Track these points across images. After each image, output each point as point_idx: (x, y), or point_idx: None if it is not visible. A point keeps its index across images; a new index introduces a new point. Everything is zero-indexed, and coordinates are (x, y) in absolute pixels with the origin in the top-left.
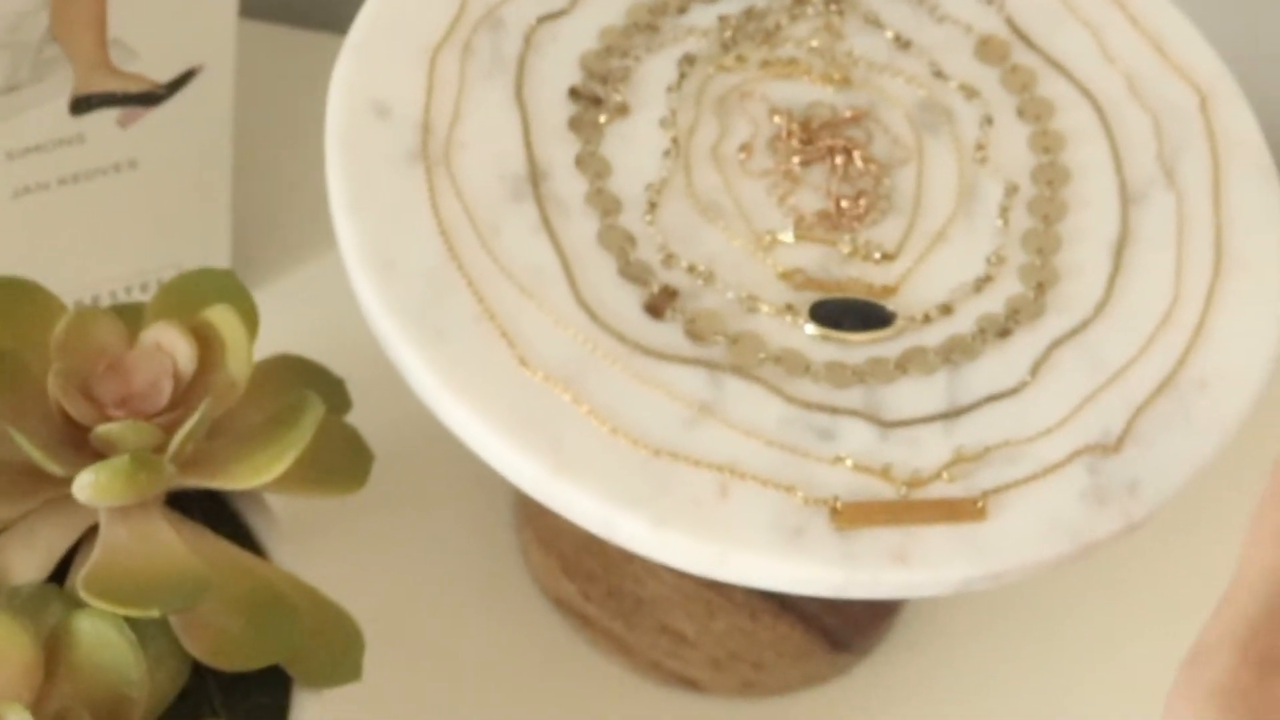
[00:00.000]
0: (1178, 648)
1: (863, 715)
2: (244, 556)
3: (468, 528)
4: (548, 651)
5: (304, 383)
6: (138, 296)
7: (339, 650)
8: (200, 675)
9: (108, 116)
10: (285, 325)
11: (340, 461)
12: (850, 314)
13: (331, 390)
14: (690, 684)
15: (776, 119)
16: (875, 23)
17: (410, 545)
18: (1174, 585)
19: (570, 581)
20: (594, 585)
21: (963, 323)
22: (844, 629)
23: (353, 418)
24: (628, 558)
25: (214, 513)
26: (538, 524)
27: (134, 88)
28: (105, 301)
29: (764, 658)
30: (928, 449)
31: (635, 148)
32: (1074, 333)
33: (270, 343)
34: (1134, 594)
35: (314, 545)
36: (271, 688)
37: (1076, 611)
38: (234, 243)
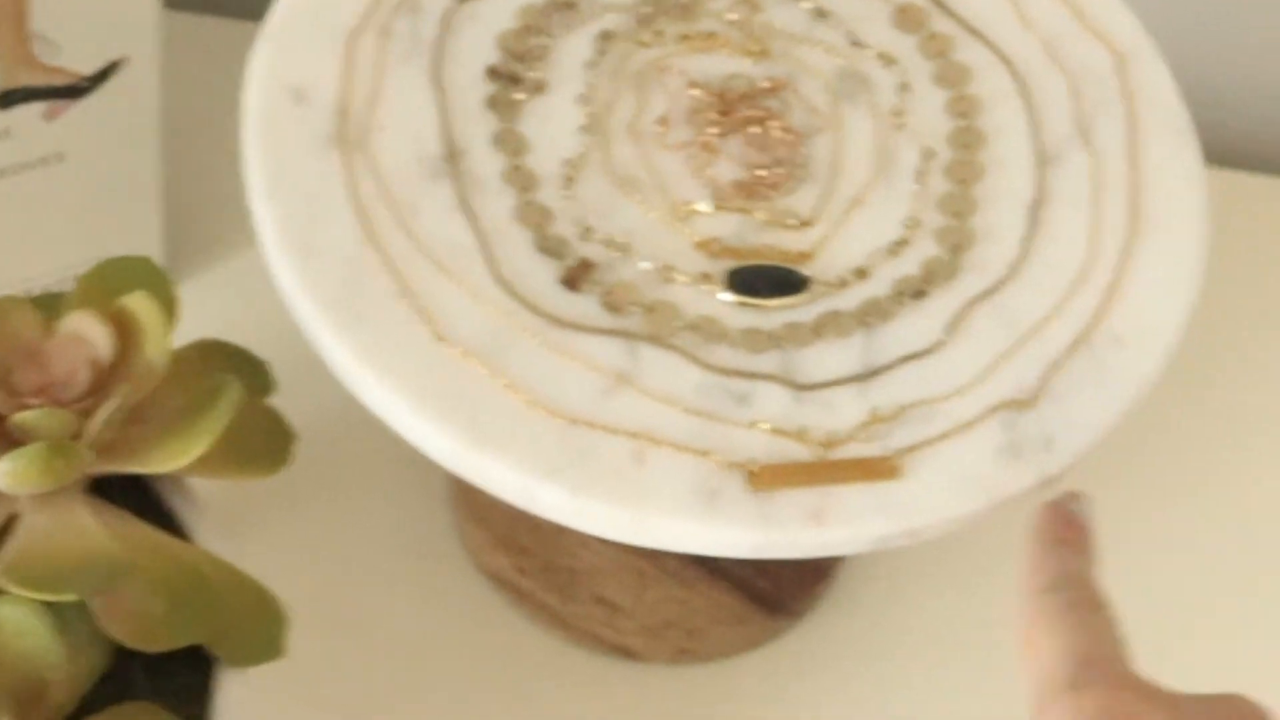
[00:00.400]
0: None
1: (799, 677)
2: (165, 540)
3: (403, 507)
4: (484, 626)
5: (226, 367)
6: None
7: (262, 629)
8: (125, 658)
9: (33, 110)
10: (218, 313)
11: (262, 443)
12: (766, 280)
13: (254, 374)
14: (626, 653)
15: (694, 92)
16: None
17: (347, 525)
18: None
19: (504, 556)
20: (528, 559)
21: (878, 286)
22: (777, 593)
23: (289, 403)
24: (560, 531)
25: (138, 499)
26: (471, 501)
27: (58, 81)
28: None
29: (698, 624)
30: (843, 410)
31: (553, 125)
32: (989, 293)
33: (204, 330)
34: None
35: (252, 528)
36: (196, 668)
37: (1007, 567)
38: (166, 233)
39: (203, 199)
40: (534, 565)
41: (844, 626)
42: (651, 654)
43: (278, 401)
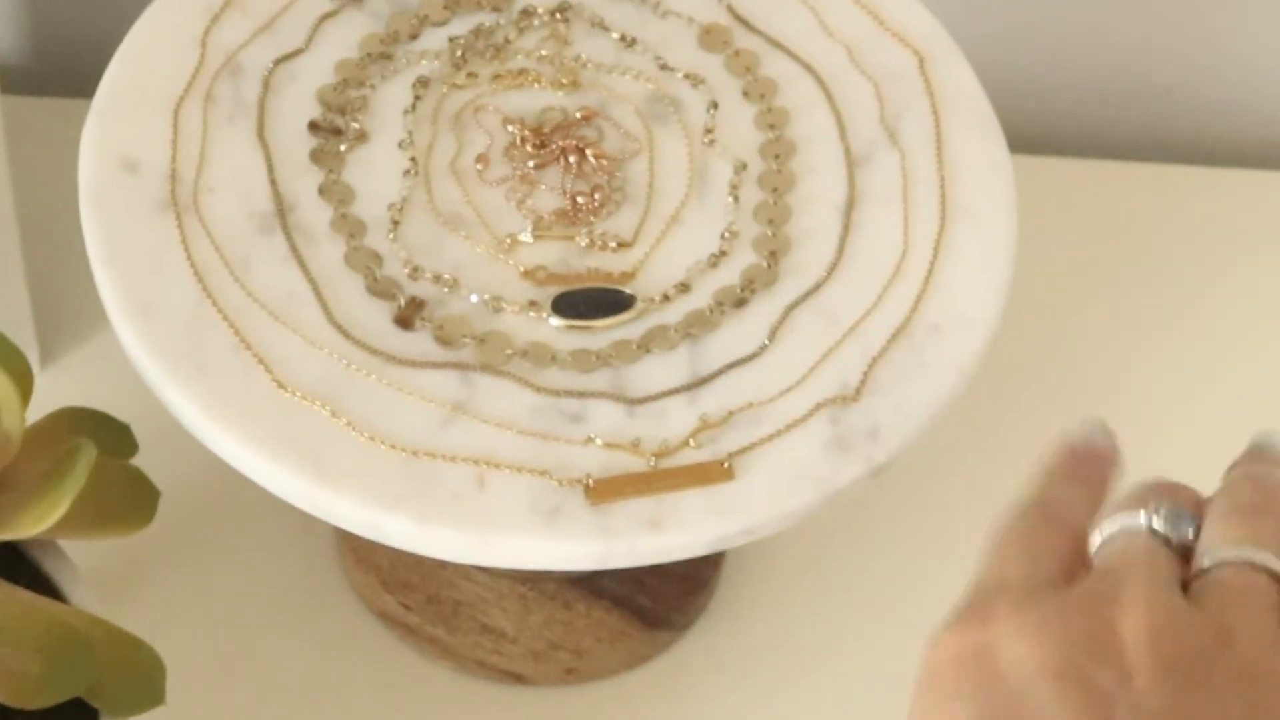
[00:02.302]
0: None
1: (687, 689)
2: (38, 600)
3: (290, 555)
4: (376, 664)
5: (84, 432)
6: None
7: (140, 678)
8: (6, 717)
9: None
10: (91, 383)
11: (125, 501)
12: (591, 303)
13: (115, 436)
14: (516, 678)
15: (510, 128)
16: (600, 26)
17: (236, 576)
18: (938, 526)
19: (390, 594)
20: (412, 595)
21: (701, 298)
22: (657, 607)
23: (166, 464)
24: (441, 564)
25: (11, 564)
26: (354, 543)
27: None
28: None
29: (583, 644)
30: (674, 420)
31: (376, 171)
32: (808, 295)
33: (81, 400)
34: (897, 534)
35: (137, 587)
36: None
37: (882, 566)
38: (36, 311)
39: (70, 276)
40: (419, 600)
41: (728, 635)
42: (540, 677)
43: (154, 464)
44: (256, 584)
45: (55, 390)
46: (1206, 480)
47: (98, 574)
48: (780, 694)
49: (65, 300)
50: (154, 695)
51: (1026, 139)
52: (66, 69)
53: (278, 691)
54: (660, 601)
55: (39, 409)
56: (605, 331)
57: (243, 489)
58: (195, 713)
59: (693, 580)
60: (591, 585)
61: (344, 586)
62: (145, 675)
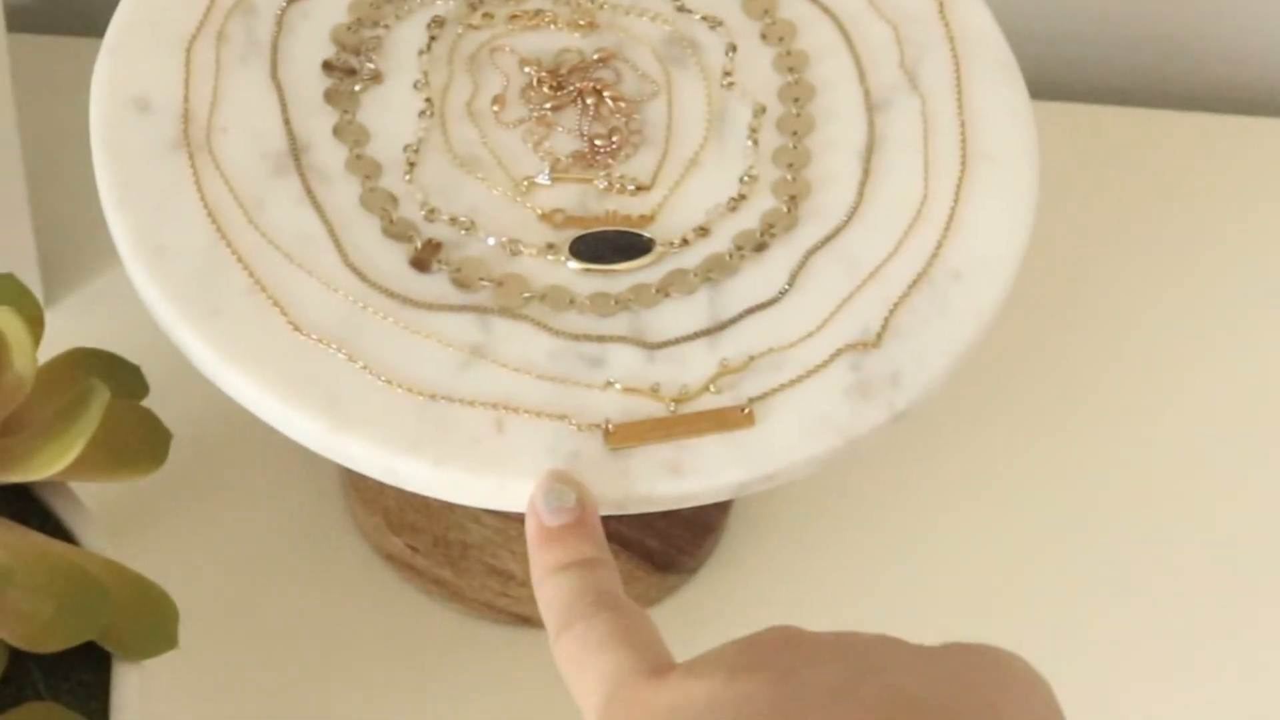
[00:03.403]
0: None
1: (695, 632)
2: (50, 543)
3: (297, 497)
4: (384, 606)
5: (95, 373)
6: None
7: (153, 622)
8: (21, 661)
9: None
10: (97, 325)
11: (137, 443)
12: (610, 246)
13: (126, 377)
14: (523, 620)
15: (527, 69)
16: None
17: (242, 519)
18: (949, 472)
19: (397, 536)
20: (420, 537)
21: (720, 242)
22: (666, 550)
23: (175, 406)
24: (449, 506)
25: (23, 507)
26: (361, 484)
27: None
28: None
29: None
30: (694, 365)
31: (391, 112)
32: (829, 239)
33: (86, 341)
34: (915, 481)
35: (146, 529)
36: (93, 665)
37: (890, 505)
38: (41, 252)
39: (74, 217)
40: (426, 542)
41: (736, 579)
42: None
43: (164, 405)
44: (263, 526)
45: (59, 332)
46: (1225, 423)
47: (104, 516)
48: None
49: (68, 241)
50: (167, 639)
51: (1044, 85)
52: (72, 7)
53: (284, 634)
54: (669, 544)
55: (44, 352)
56: (624, 275)
57: (245, 432)
58: (202, 656)
59: (701, 524)
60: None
61: (350, 528)
62: (158, 619)
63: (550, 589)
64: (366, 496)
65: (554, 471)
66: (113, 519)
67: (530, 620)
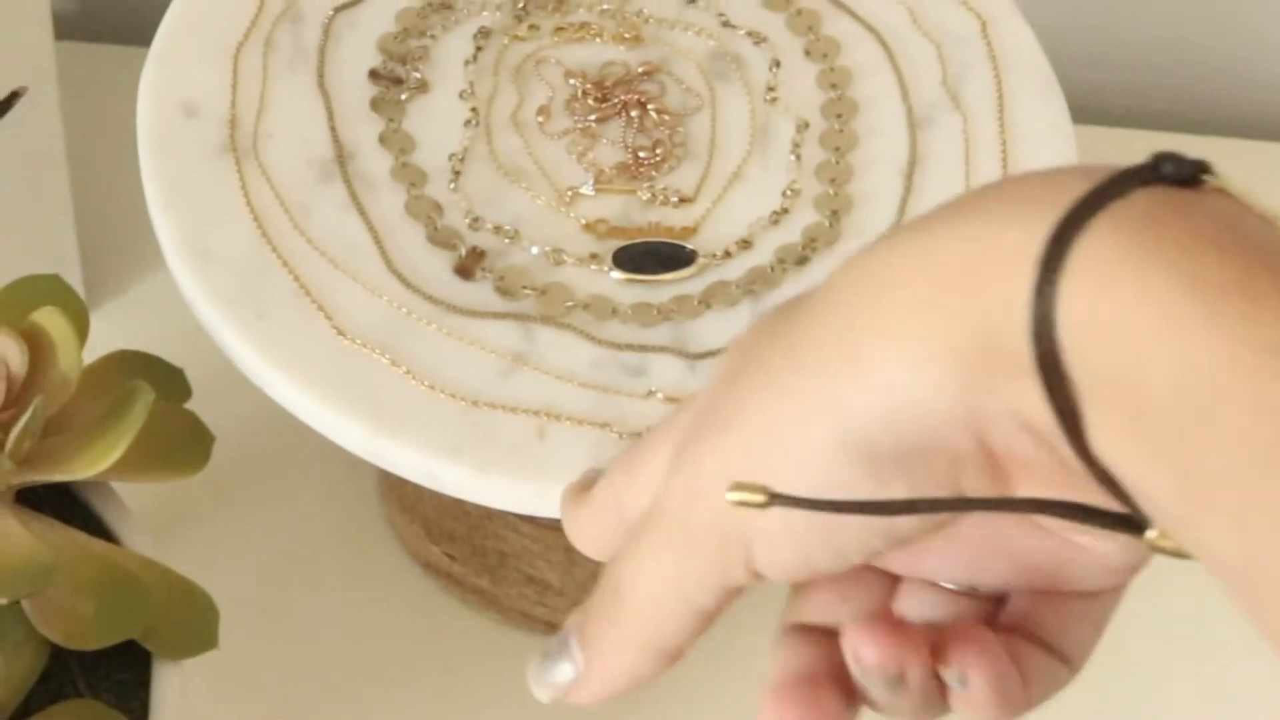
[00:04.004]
0: None
1: (726, 646)
2: (93, 543)
3: (335, 503)
4: (420, 613)
5: (139, 375)
6: None
7: (193, 622)
8: (62, 658)
9: None
10: (139, 327)
11: (180, 445)
12: (652, 257)
13: (169, 380)
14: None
15: (572, 81)
16: None
17: (281, 523)
18: None
19: (435, 544)
20: (458, 546)
21: (762, 255)
22: None
23: (217, 409)
24: (488, 515)
25: (65, 506)
26: (399, 492)
27: None
28: None
29: None
30: None
31: (437, 121)
32: None
33: (127, 344)
34: None
35: (187, 530)
36: (133, 663)
37: None
38: (84, 255)
39: (116, 221)
40: (464, 551)
41: (768, 587)
42: None
43: (203, 408)
44: (302, 531)
45: (100, 336)
46: None
47: (144, 516)
48: None
49: (110, 246)
50: (207, 639)
51: (1084, 109)
52: (114, 15)
53: (320, 638)
54: None
55: (86, 355)
56: (666, 286)
57: (283, 437)
58: (240, 657)
59: None
60: None
61: (388, 536)
62: (198, 619)
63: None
64: (405, 504)
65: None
66: (151, 519)
67: None
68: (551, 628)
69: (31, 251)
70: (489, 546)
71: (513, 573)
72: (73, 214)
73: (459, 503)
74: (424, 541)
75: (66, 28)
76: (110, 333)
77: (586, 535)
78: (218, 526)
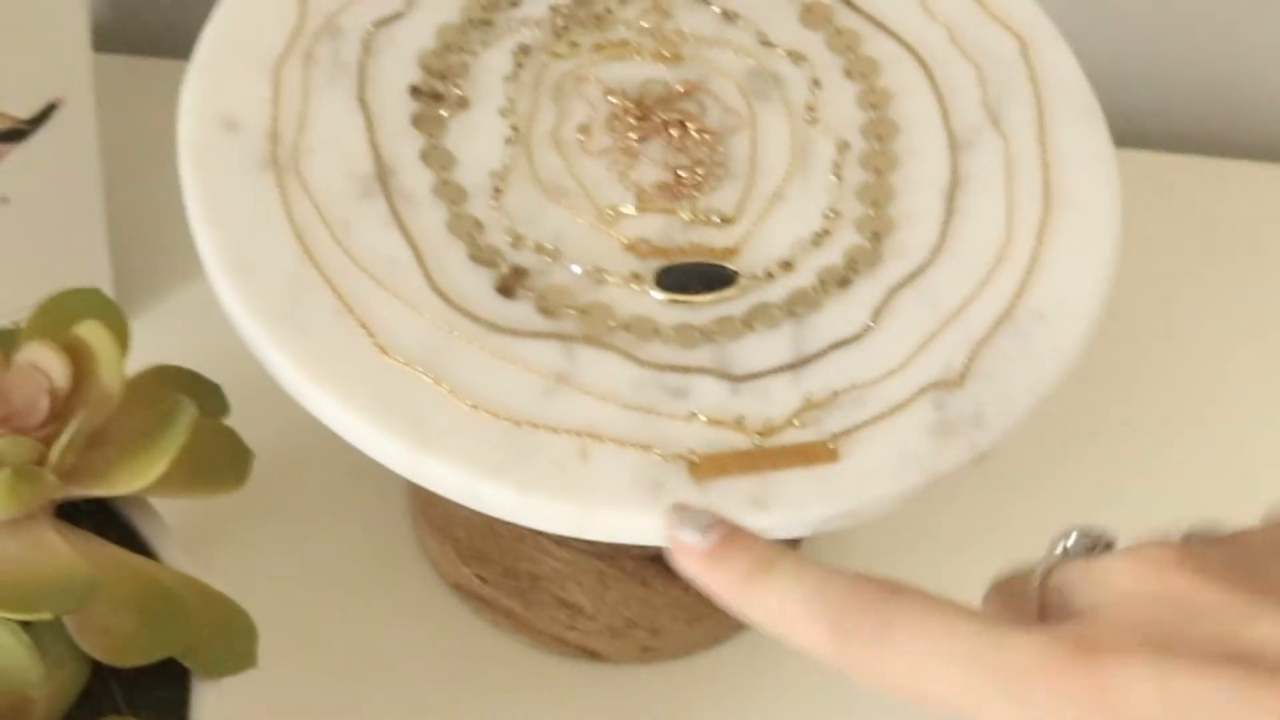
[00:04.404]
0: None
1: (765, 671)
2: (132, 558)
3: (365, 521)
4: (451, 635)
5: (179, 390)
6: None
7: (232, 641)
8: (101, 675)
9: None
10: (172, 341)
11: (219, 461)
12: (695, 277)
13: (208, 395)
14: (591, 654)
15: (612, 99)
16: None
17: (312, 541)
18: (1026, 514)
19: (466, 566)
20: (489, 567)
21: (804, 276)
22: None
23: (248, 424)
24: (520, 537)
25: (104, 521)
26: (430, 513)
27: None
28: None
29: (660, 622)
30: (778, 398)
31: (478, 138)
32: (912, 277)
33: (160, 358)
34: (994, 522)
35: (219, 546)
36: (171, 681)
37: (954, 543)
38: (115, 268)
39: (148, 234)
40: (495, 573)
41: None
42: (616, 654)
43: (236, 423)
44: (334, 549)
45: (134, 350)
46: None
47: (181, 532)
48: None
49: (142, 259)
50: (247, 657)
51: (1124, 132)
52: (150, 27)
53: (351, 658)
54: None
55: None
56: (708, 307)
57: (315, 455)
58: (274, 676)
59: None
60: (670, 563)
61: (418, 557)
62: (238, 637)
63: (770, 600)
64: (436, 525)
65: (672, 507)
66: (186, 535)
67: (598, 654)
68: (583, 651)
69: (63, 263)
70: (521, 569)
71: (544, 595)
72: (106, 229)
73: (490, 524)
74: (455, 563)
75: (103, 39)
76: (142, 346)
77: (772, 606)
78: (245, 544)
